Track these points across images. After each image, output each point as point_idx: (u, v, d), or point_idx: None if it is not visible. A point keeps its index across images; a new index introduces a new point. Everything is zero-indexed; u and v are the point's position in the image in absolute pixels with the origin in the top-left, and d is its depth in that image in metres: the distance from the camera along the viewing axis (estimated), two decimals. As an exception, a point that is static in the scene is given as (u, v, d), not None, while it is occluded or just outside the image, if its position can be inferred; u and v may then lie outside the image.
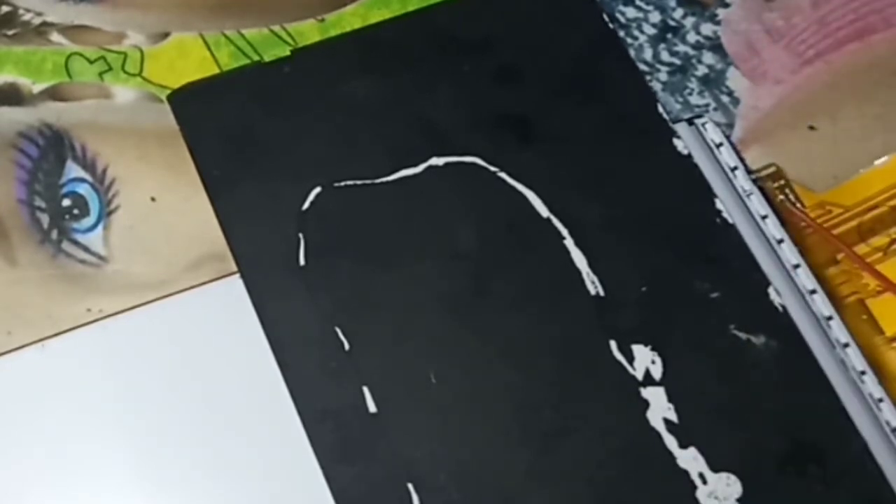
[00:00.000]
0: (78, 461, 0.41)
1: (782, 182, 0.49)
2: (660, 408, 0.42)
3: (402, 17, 0.50)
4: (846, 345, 0.44)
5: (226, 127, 0.46)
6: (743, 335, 0.44)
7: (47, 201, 0.45)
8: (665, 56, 0.52)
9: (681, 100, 0.51)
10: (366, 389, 0.41)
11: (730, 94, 0.51)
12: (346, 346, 0.42)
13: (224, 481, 0.41)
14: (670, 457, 0.42)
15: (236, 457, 0.41)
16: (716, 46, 0.52)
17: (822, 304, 0.45)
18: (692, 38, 0.52)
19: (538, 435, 0.42)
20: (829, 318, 0.45)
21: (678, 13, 0.53)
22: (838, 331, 0.45)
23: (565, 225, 0.45)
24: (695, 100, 0.51)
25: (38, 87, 0.47)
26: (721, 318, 0.44)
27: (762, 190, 0.48)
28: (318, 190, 0.45)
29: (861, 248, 0.48)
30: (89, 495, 0.41)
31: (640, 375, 0.43)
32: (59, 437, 0.41)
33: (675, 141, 0.47)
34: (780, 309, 0.44)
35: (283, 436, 0.41)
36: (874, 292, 0.48)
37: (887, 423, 0.43)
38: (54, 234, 0.45)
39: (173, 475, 0.41)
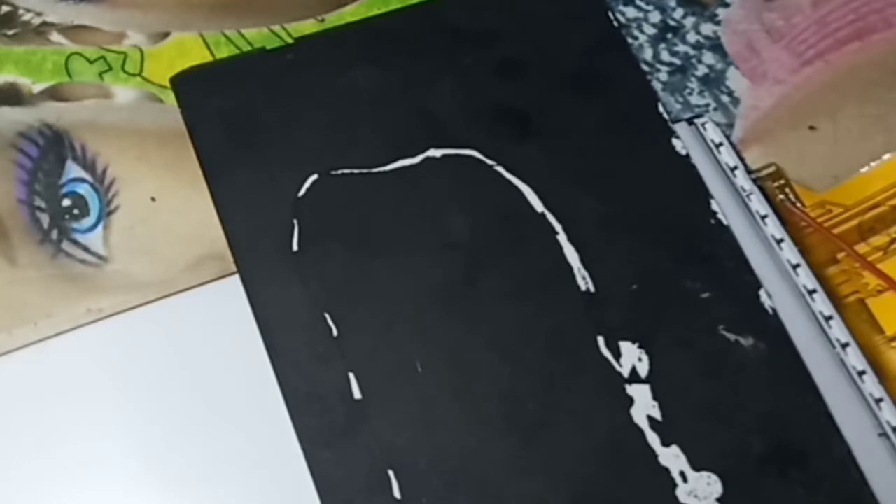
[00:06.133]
0: (78, 461, 0.41)
1: (782, 182, 0.49)
2: (644, 405, 0.42)
3: (407, 8, 0.50)
4: (846, 344, 0.44)
5: (227, 111, 0.46)
6: (731, 336, 0.44)
7: (47, 201, 0.45)
8: (665, 56, 0.52)
9: (681, 100, 0.51)
10: (351, 375, 0.41)
11: (730, 94, 0.51)
12: (335, 332, 0.42)
13: (223, 480, 0.41)
14: (652, 454, 0.42)
15: (236, 455, 0.41)
16: (716, 46, 0.52)
17: (822, 304, 0.45)
18: (692, 38, 0.52)
19: (521, 426, 0.42)
20: (829, 317, 0.45)
21: (678, 13, 0.53)
22: (838, 330, 0.45)
23: (559, 220, 0.45)
24: (695, 100, 0.51)
25: (38, 87, 0.47)
26: (710, 319, 0.44)
27: (762, 189, 0.48)
28: (314, 177, 0.45)
29: (861, 248, 0.48)
30: (89, 494, 0.41)
31: (626, 372, 0.43)
32: (59, 437, 0.41)
33: (674, 140, 0.47)
34: (771, 311, 0.44)
35: (280, 428, 0.41)
36: (874, 292, 0.48)
37: (888, 422, 0.43)
38: (54, 234, 0.45)
39: (173, 473, 0.41)
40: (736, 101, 0.51)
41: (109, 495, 0.41)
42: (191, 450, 0.41)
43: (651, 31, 0.52)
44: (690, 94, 0.51)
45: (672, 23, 0.53)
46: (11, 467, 0.41)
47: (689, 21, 0.53)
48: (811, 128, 0.51)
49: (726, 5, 0.53)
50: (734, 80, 0.52)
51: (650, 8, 0.53)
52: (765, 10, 0.53)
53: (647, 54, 0.52)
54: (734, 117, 0.51)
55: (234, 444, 0.41)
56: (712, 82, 0.52)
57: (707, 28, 0.53)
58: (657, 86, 0.51)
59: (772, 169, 0.49)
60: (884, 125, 0.51)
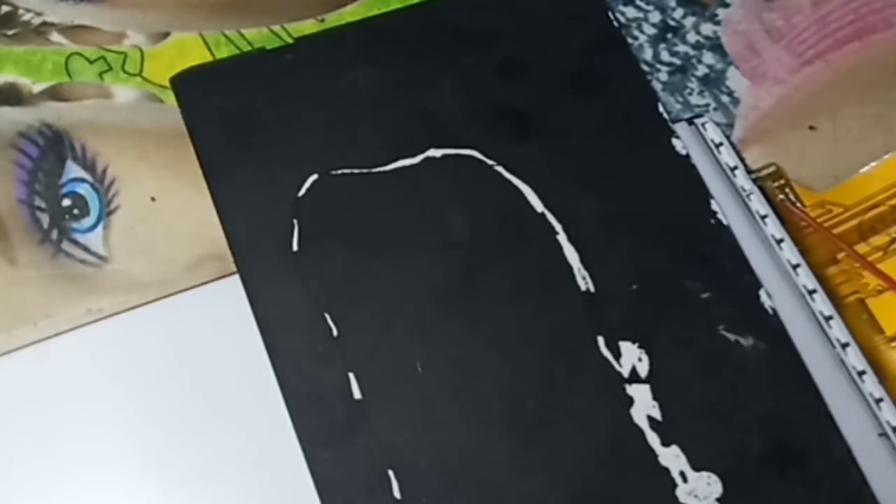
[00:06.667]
0: (78, 461, 0.41)
1: (782, 182, 0.49)
2: (644, 405, 0.43)
3: (407, 8, 0.50)
4: (846, 344, 0.44)
5: (227, 111, 0.46)
6: (731, 336, 0.44)
7: (47, 201, 0.45)
8: (665, 56, 0.52)
9: (681, 100, 0.51)
10: (351, 375, 0.42)
11: (730, 94, 0.51)
12: (335, 332, 0.42)
13: (223, 480, 0.41)
14: (652, 454, 0.42)
15: (236, 455, 0.41)
16: (716, 46, 0.52)
17: (822, 304, 0.45)
18: (692, 38, 0.52)
19: (521, 426, 0.42)
20: (829, 317, 0.45)
21: (678, 13, 0.53)
22: (838, 330, 0.45)
23: (559, 220, 0.45)
24: (695, 100, 0.51)
25: (38, 87, 0.47)
26: (711, 319, 0.44)
27: (762, 189, 0.48)
28: (314, 177, 0.45)
29: (861, 248, 0.48)
30: (89, 494, 0.41)
31: (626, 372, 0.43)
32: (59, 437, 0.41)
33: (674, 140, 0.47)
34: (771, 311, 0.44)
35: (280, 428, 0.41)
36: (874, 292, 0.47)
37: (888, 422, 0.44)
38: (54, 234, 0.45)
39: (173, 473, 0.41)
40: (736, 101, 0.51)
41: (109, 495, 0.41)
42: (191, 450, 0.41)
43: (651, 31, 0.52)
44: (690, 94, 0.51)
45: (672, 23, 0.53)
46: (11, 467, 0.41)
47: (689, 21, 0.53)
48: (811, 128, 0.51)
49: (726, 5, 0.53)
50: (734, 80, 0.52)
51: (650, 8, 0.53)
52: (765, 10, 0.53)
53: (647, 54, 0.52)
54: (734, 117, 0.51)
55: (234, 444, 0.41)
56: (712, 82, 0.52)
57: (707, 28, 0.53)
58: (657, 86, 0.51)
59: (772, 169, 0.49)
60: (884, 125, 0.51)
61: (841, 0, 0.54)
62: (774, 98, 0.52)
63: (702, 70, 0.52)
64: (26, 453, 0.41)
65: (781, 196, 0.49)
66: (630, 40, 0.52)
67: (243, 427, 0.42)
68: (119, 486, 0.41)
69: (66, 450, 0.41)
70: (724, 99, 0.51)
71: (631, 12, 0.52)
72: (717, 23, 0.53)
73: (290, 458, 0.40)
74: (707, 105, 0.51)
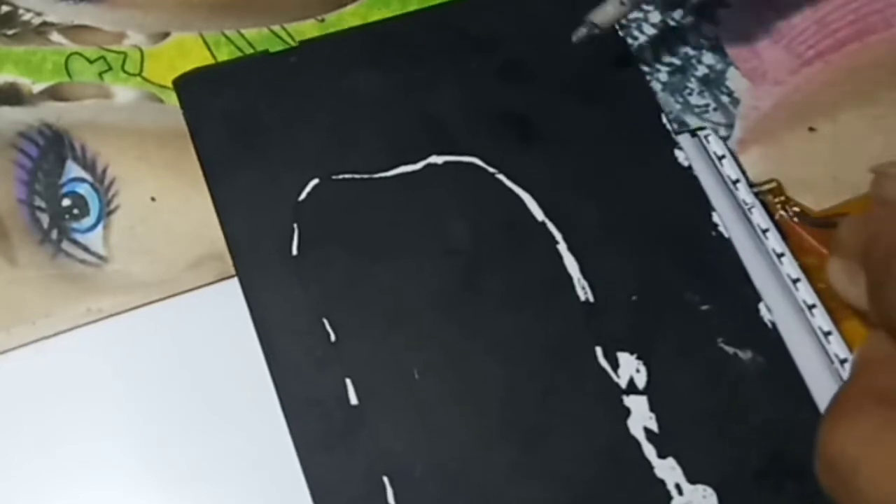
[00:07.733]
0: (78, 461, 0.41)
1: (783, 197, 0.49)
2: (641, 416, 0.43)
3: (412, 13, 0.50)
4: (844, 360, 0.45)
5: (229, 114, 0.46)
6: (730, 349, 0.44)
7: (47, 201, 0.45)
8: (665, 56, 0.52)
9: (681, 100, 0.51)
10: (349, 381, 0.42)
11: (730, 94, 0.51)
12: (333, 338, 0.42)
13: (223, 481, 0.41)
14: (648, 466, 0.42)
15: (236, 456, 0.41)
16: (716, 46, 0.52)
17: (821, 319, 0.45)
18: (692, 38, 0.52)
19: (518, 434, 0.42)
20: (829, 333, 0.45)
21: (678, 13, 0.53)
22: (837, 346, 0.45)
23: (560, 230, 0.45)
24: (695, 100, 0.51)
25: (38, 87, 0.47)
26: (709, 331, 0.44)
27: (763, 204, 0.48)
28: (315, 181, 0.45)
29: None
30: (89, 494, 0.41)
31: (623, 383, 0.43)
32: (58, 437, 0.41)
33: (677, 152, 0.47)
34: (770, 325, 0.45)
35: (280, 429, 0.41)
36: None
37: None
38: (54, 234, 0.45)
39: (173, 473, 0.41)
40: (736, 101, 0.51)
41: (109, 495, 0.41)
42: (191, 450, 0.42)
43: (651, 31, 0.52)
44: (690, 94, 0.51)
45: (672, 23, 0.52)
46: (11, 467, 0.41)
47: (689, 21, 0.53)
48: (811, 129, 0.51)
49: (726, 5, 0.53)
50: (734, 80, 0.52)
51: (650, 8, 0.52)
52: (765, 10, 0.53)
53: (647, 54, 0.52)
54: (734, 117, 0.51)
55: (234, 444, 0.42)
56: (712, 82, 0.51)
57: (707, 28, 0.53)
58: (657, 86, 0.51)
59: (773, 184, 0.49)
60: (884, 126, 0.51)
61: (841, 0, 0.54)
62: (774, 98, 0.52)
63: (702, 70, 0.52)
64: (26, 453, 0.41)
65: (782, 212, 0.49)
66: (630, 40, 0.51)
67: (243, 428, 0.42)
68: (119, 486, 0.41)
69: (66, 450, 0.41)
70: (724, 99, 0.51)
71: (631, 13, 0.52)
72: (718, 23, 0.53)
73: (289, 459, 0.41)
74: (707, 105, 0.51)
